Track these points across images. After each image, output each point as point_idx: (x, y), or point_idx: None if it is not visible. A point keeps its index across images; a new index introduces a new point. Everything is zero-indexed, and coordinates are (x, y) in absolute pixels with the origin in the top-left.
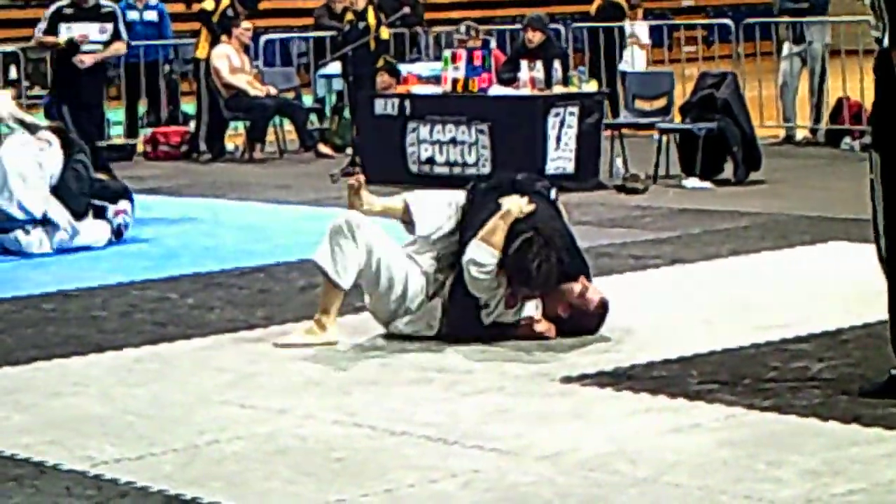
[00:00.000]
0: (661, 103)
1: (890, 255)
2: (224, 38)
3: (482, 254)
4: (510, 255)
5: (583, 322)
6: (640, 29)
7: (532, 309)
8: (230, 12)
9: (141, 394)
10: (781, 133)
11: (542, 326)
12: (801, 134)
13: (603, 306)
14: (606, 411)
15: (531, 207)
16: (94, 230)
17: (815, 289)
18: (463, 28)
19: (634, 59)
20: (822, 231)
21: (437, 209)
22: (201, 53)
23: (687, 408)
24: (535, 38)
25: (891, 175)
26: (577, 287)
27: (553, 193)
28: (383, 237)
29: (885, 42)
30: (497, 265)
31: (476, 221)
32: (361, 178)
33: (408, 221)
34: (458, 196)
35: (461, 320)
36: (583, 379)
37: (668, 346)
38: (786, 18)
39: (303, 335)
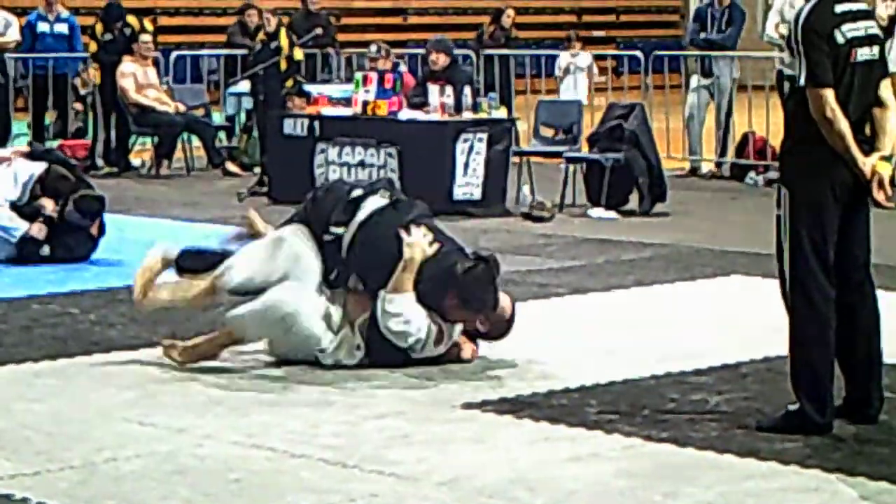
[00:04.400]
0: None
1: (793, 291)
2: (127, 56)
3: (397, 305)
4: (467, 281)
5: (498, 329)
6: (583, 59)
7: (456, 333)
8: (112, 35)
9: (40, 409)
10: (687, 165)
11: (468, 353)
12: (706, 167)
13: (513, 307)
14: (506, 438)
15: (433, 249)
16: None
17: (716, 322)
18: (374, 47)
19: (578, 88)
20: (724, 264)
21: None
22: (97, 79)
23: (586, 437)
24: (439, 59)
25: (798, 211)
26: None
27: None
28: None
29: (801, 80)
30: (447, 288)
31: (375, 256)
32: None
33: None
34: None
35: (384, 356)
36: (484, 406)
37: (569, 375)
38: (695, 52)
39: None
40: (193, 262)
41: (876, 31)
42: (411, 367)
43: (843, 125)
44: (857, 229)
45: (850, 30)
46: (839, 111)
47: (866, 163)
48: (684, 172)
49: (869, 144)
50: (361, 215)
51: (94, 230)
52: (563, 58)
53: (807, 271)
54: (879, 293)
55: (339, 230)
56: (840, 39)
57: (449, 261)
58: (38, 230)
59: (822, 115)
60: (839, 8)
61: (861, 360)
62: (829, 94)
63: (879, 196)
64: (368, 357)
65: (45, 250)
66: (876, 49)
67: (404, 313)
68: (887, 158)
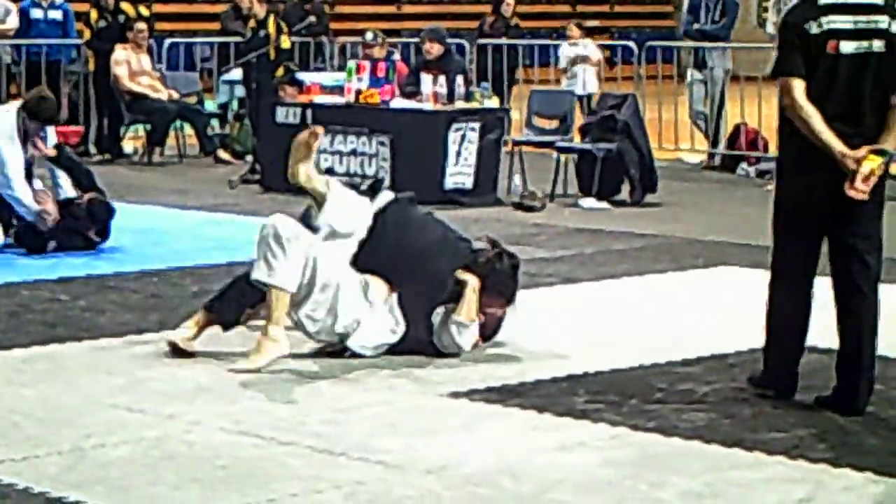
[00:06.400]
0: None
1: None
2: (120, 45)
3: (469, 336)
4: (493, 268)
5: (491, 327)
6: (587, 49)
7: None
8: (106, 21)
9: (28, 394)
10: (689, 157)
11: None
12: (697, 158)
13: (504, 312)
14: (493, 427)
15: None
16: None
17: (704, 312)
18: (370, 35)
19: (586, 81)
20: (714, 255)
21: (354, 213)
22: (91, 66)
23: (573, 426)
24: (433, 49)
25: (778, 191)
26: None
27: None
28: (318, 248)
29: (768, 69)
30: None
31: (396, 250)
32: (320, 130)
33: (319, 204)
34: (368, 206)
35: (417, 343)
36: (471, 394)
37: (557, 364)
38: (688, 43)
39: (261, 357)
40: (228, 307)
41: (884, 25)
42: (398, 355)
43: (807, 113)
44: (856, 222)
45: (830, 22)
46: (802, 100)
47: (846, 153)
48: (708, 164)
49: (862, 138)
50: (383, 200)
51: (92, 233)
52: (566, 49)
53: (778, 249)
54: (880, 286)
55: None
56: (814, 30)
57: (476, 253)
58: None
59: (784, 103)
60: (824, 0)
61: (848, 353)
62: (794, 82)
63: (849, 190)
64: (405, 336)
65: (52, 245)
66: (878, 43)
67: (469, 345)
68: (879, 153)
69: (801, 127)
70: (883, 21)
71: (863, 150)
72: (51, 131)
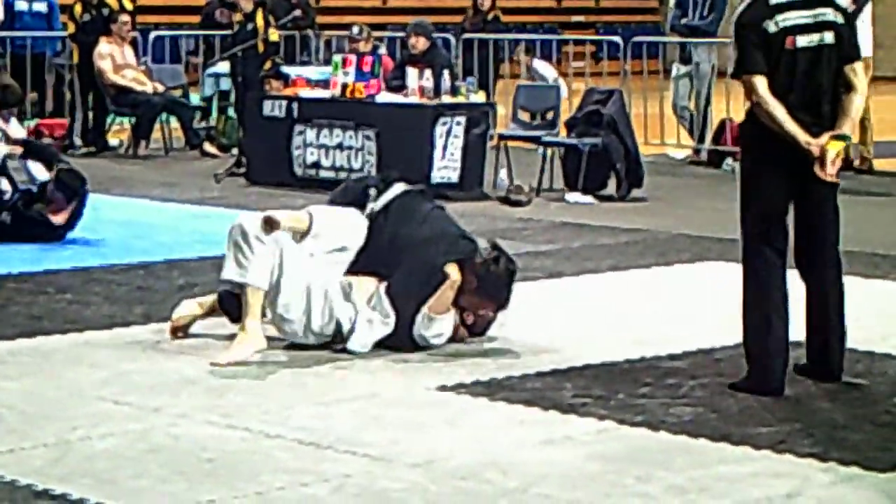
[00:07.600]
0: (547, 117)
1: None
2: (104, 38)
3: (438, 326)
4: (490, 271)
5: (481, 327)
6: (540, 66)
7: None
8: (90, 15)
9: (13, 387)
10: (675, 152)
11: (462, 333)
12: (683, 153)
13: (494, 318)
14: (480, 421)
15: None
16: None
17: (690, 307)
18: (355, 29)
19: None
20: (700, 250)
21: (344, 228)
22: (76, 59)
23: (559, 420)
24: (418, 43)
25: (743, 179)
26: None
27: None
28: (289, 244)
29: (730, 69)
30: (471, 271)
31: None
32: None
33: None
34: (359, 218)
35: (401, 332)
36: (458, 388)
37: (543, 358)
38: (674, 38)
39: (238, 349)
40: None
41: (830, 17)
42: (386, 349)
43: (772, 107)
44: (817, 205)
45: (785, 19)
46: (766, 95)
47: (811, 142)
48: (693, 159)
49: (821, 126)
50: (391, 193)
51: (59, 217)
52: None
53: (747, 238)
54: (858, 280)
55: (372, 194)
56: (772, 28)
57: (478, 250)
58: None
59: (751, 100)
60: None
61: (812, 330)
62: (757, 80)
63: (820, 173)
64: (397, 324)
65: (5, 217)
66: (829, 35)
67: (444, 333)
68: (839, 137)
69: (767, 121)
70: (829, 14)
71: (825, 137)
72: (13, 121)
